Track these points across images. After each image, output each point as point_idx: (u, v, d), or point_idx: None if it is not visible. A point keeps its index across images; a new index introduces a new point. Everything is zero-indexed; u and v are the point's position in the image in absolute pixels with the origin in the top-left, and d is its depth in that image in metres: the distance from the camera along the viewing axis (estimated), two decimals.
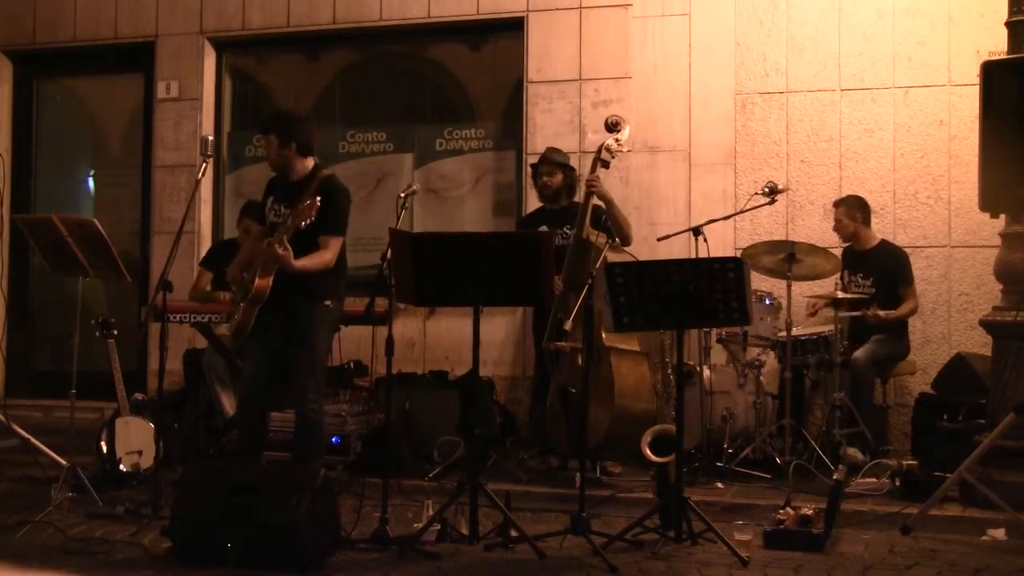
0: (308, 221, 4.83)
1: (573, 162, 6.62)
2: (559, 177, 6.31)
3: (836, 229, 6.47)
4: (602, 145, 5.93)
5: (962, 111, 6.58)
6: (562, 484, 5.74)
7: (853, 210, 6.39)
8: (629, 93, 7.16)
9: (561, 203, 6.32)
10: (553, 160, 6.36)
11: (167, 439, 5.76)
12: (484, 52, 7.87)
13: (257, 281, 4.95)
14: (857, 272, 6.39)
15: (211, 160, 6.13)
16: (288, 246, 4.87)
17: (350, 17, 7.74)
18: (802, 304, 6.48)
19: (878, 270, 6.34)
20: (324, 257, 5.04)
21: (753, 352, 6.33)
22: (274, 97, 8.22)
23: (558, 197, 6.32)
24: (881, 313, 6.16)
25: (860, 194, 6.55)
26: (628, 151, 6.43)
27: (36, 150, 8.62)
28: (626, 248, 6.03)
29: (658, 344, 6.24)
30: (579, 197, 6.29)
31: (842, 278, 6.31)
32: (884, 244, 6.46)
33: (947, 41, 6.72)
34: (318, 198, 4.85)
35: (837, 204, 6.47)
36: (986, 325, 5.48)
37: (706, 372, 6.24)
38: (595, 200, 5.97)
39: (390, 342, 4.78)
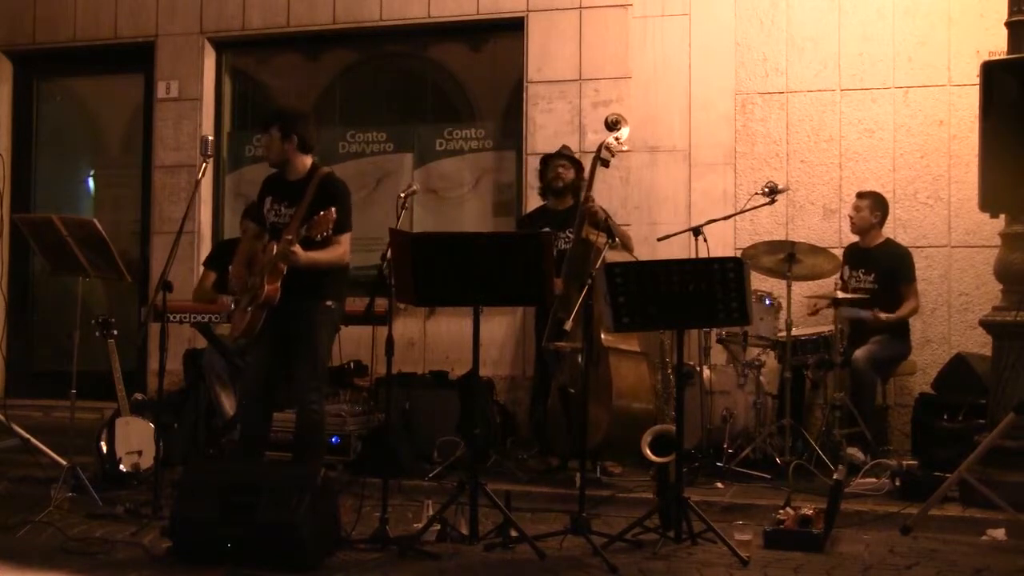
0: (325, 233, 4.90)
1: None
2: (572, 173, 6.34)
3: (854, 220, 6.40)
4: (602, 144, 5.93)
5: (962, 111, 6.58)
6: (562, 484, 5.75)
7: (875, 206, 6.37)
8: (629, 93, 7.16)
9: (566, 203, 6.32)
10: (569, 155, 6.42)
11: (167, 439, 5.75)
12: (484, 52, 7.87)
13: (267, 287, 4.99)
14: (859, 268, 6.38)
15: (211, 160, 6.12)
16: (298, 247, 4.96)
17: (350, 17, 7.74)
18: (803, 304, 6.48)
19: (881, 266, 6.33)
20: (338, 251, 5.13)
21: (753, 352, 6.32)
22: (274, 97, 8.21)
23: (565, 193, 6.33)
24: (883, 316, 6.15)
25: None
26: (628, 150, 6.43)
27: (36, 150, 8.61)
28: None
29: (658, 344, 6.24)
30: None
31: (843, 275, 6.30)
32: (889, 242, 6.45)
33: (947, 41, 6.72)
34: (333, 209, 4.90)
35: (862, 195, 6.41)
36: (986, 325, 5.48)
37: (706, 372, 6.24)
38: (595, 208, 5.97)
39: (390, 342, 4.78)
